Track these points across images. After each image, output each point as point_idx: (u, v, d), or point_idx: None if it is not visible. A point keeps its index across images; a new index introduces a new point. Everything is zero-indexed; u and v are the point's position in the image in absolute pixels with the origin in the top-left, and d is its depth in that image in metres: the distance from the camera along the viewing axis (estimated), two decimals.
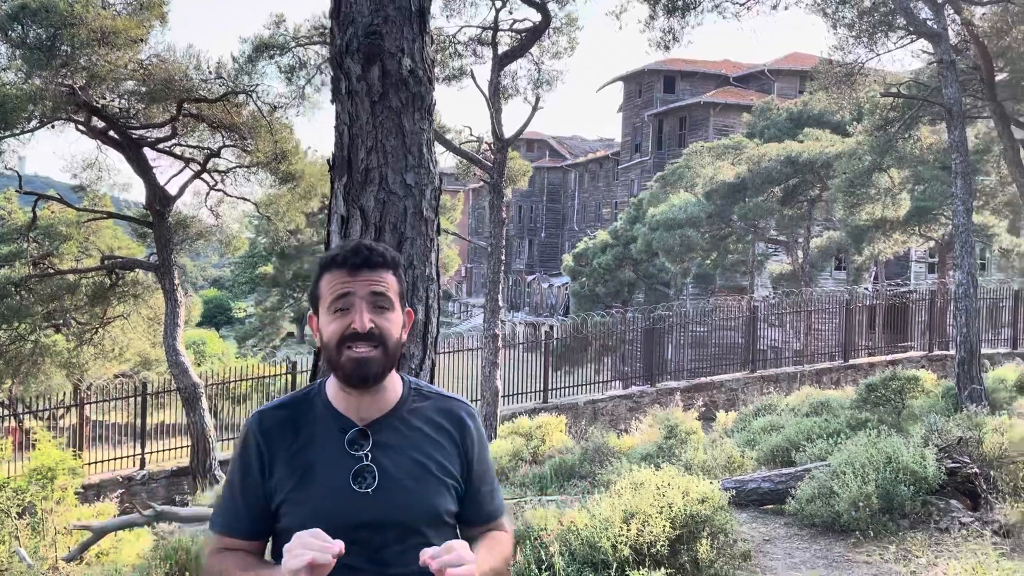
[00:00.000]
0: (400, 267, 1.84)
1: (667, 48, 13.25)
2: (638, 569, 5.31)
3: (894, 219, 24.74)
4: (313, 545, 1.59)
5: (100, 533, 8.04)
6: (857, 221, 24.68)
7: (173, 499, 14.19)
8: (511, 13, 13.94)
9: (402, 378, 1.89)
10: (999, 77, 16.90)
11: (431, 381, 2.47)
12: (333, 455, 1.77)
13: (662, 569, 5.36)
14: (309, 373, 2.63)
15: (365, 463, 1.76)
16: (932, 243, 30.65)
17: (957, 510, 6.91)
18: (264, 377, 17.87)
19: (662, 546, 5.57)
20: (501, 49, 13.62)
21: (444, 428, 1.85)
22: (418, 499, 1.77)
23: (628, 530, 5.57)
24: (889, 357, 20.44)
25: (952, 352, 20.77)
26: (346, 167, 2.46)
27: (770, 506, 7.72)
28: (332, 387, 1.85)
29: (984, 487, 7.17)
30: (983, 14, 16.01)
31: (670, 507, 5.79)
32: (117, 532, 8.60)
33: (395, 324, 1.79)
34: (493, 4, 13.32)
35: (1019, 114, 18.48)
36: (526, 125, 13.85)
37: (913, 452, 6.95)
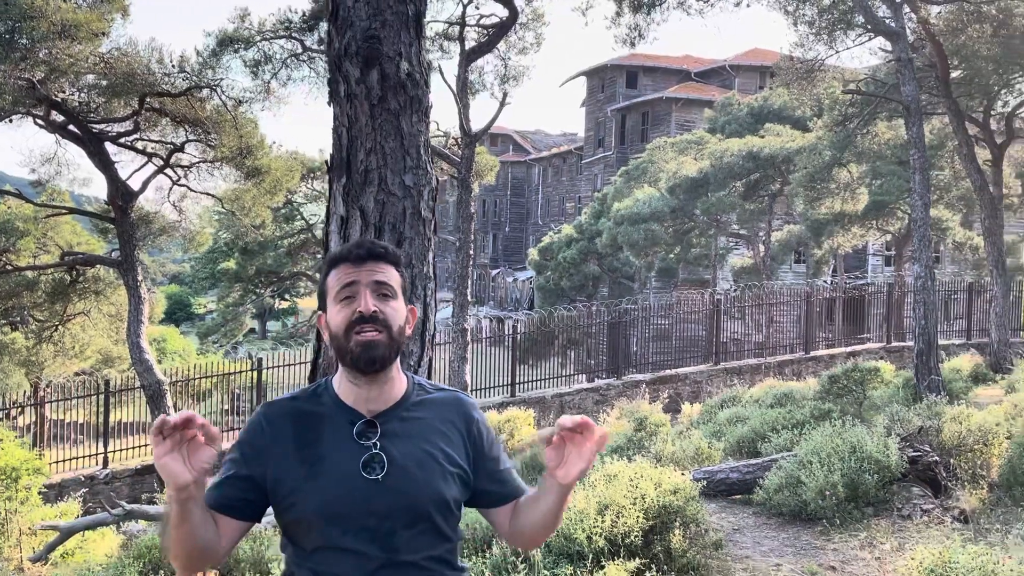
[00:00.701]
0: (402, 263, 1.90)
1: (633, 44, 13.38)
2: (613, 560, 5.40)
3: (852, 213, 25.18)
4: (161, 455, 1.66)
5: (68, 533, 7.95)
6: (817, 215, 25.08)
7: (138, 498, 14.03)
8: (478, 8, 13.99)
9: (406, 374, 1.94)
10: (954, 74, 17.29)
11: (428, 377, 2.52)
12: (343, 445, 1.82)
13: (636, 559, 5.46)
14: (308, 373, 2.66)
15: (374, 452, 1.81)
16: (889, 236, 31.25)
17: (919, 497, 7.10)
18: (229, 374, 17.72)
19: (636, 537, 5.66)
20: (468, 44, 13.63)
21: (449, 420, 1.91)
22: (425, 486, 1.82)
23: (603, 521, 5.65)
24: (848, 349, 20.83)
25: (909, 343, 21.25)
26: (345, 168, 2.49)
27: (738, 496, 7.86)
28: (340, 382, 1.90)
29: (944, 475, 7.38)
30: (938, 12, 16.37)
31: (643, 498, 5.88)
32: (84, 532, 8.51)
33: (399, 312, 1.86)
34: (460, 0, 13.35)
35: (972, 110, 18.92)
36: (494, 120, 13.88)
37: (877, 442, 7.13)
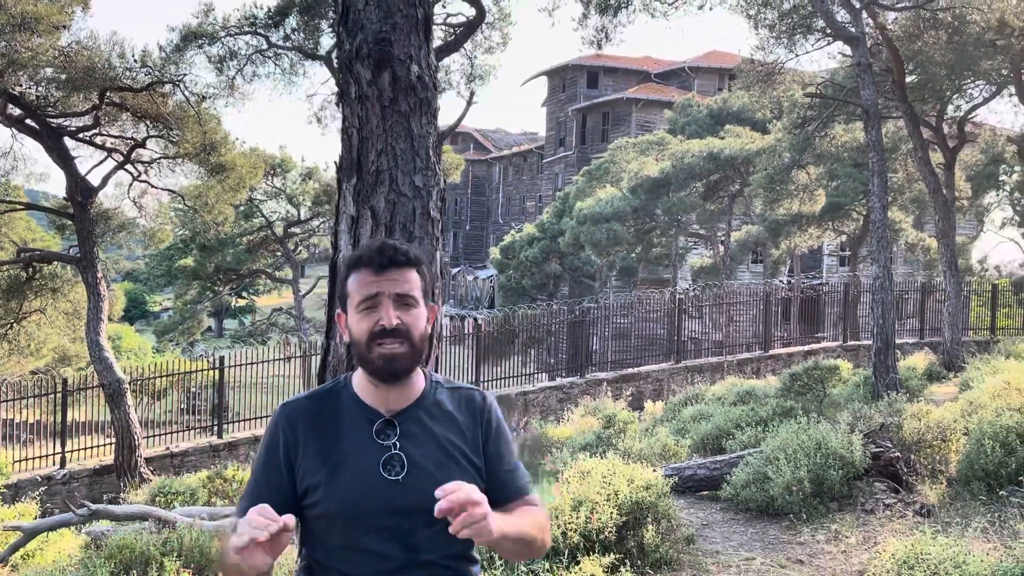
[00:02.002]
0: (423, 264, 1.93)
1: (600, 46, 13.50)
2: (588, 555, 5.47)
3: (810, 214, 25.61)
4: (256, 523, 1.62)
5: (32, 533, 7.83)
6: (775, 216, 25.45)
7: (97, 498, 13.82)
8: (444, 7, 13.99)
9: (423, 372, 1.97)
10: (909, 79, 17.69)
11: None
12: (362, 444, 1.85)
13: (611, 555, 5.54)
14: (318, 371, 2.68)
15: (394, 452, 1.84)
16: (844, 237, 31.84)
17: (881, 492, 7.29)
18: (190, 372, 17.51)
19: (610, 532, 5.74)
20: (435, 43, 13.63)
21: (465, 416, 1.95)
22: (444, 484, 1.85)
23: (577, 517, 5.72)
24: (806, 347, 21.18)
25: (865, 342, 21.70)
26: (355, 169, 2.51)
27: (706, 492, 7.99)
28: (358, 381, 1.93)
29: (905, 470, 7.58)
30: (895, 19, 16.74)
31: (616, 494, 5.97)
32: (47, 533, 8.38)
33: (420, 319, 1.88)
34: None
35: (926, 115, 19.36)
36: (461, 119, 13.93)
37: (841, 438, 7.30)
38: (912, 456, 7.76)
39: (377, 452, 1.84)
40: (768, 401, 11.53)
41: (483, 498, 1.71)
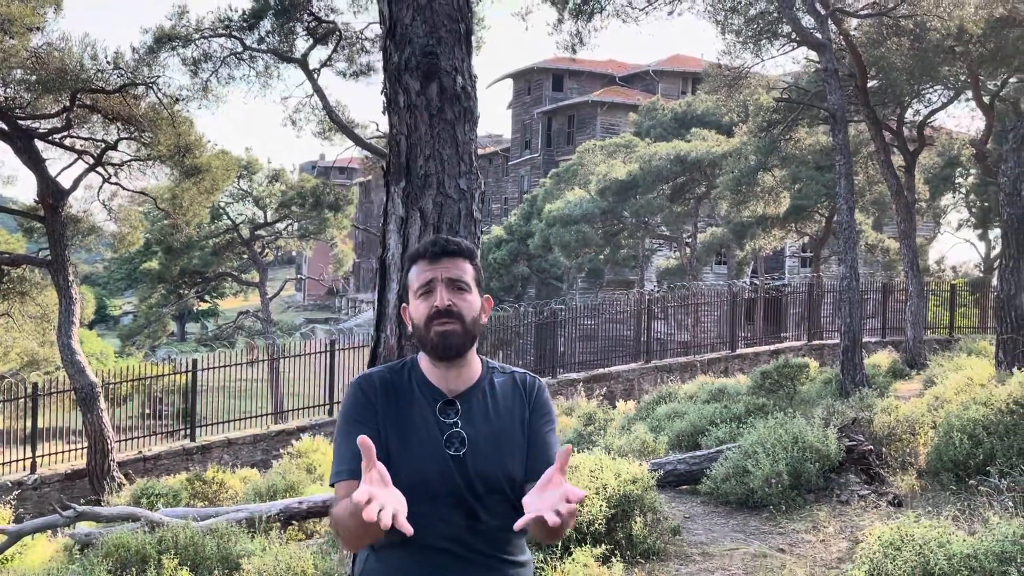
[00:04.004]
0: (475, 256, 2.12)
1: (574, 51, 13.72)
2: (581, 546, 5.64)
3: (774, 216, 26.07)
4: (395, 505, 1.74)
5: (16, 536, 7.82)
6: (741, 218, 25.87)
7: (70, 503, 13.71)
8: None
9: (481, 358, 2.15)
10: (871, 84, 18.13)
11: None
12: (427, 420, 2.03)
13: (602, 545, 5.72)
14: (367, 361, 2.81)
15: (455, 429, 2.02)
16: (807, 238, 32.42)
17: (855, 484, 7.55)
18: (161, 375, 17.41)
19: (600, 524, 5.92)
20: None
21: (518, 397, 2.12)
22: (499, 464, 2.03)
23: None
24: (772, 347, 21.57)
25: (828, 341, 22.16)
26: (404, 173, 2.67)
27: (685, 487, 8.20)
28: (423, 363, 2.11)
29: (877, 462, 7.85)
30: (858, 25, 17.16)
31: (604, 488, 6.15)
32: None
33: (472, 304, 2.06)
34: None
35: (887, 118, 19.85)
36: None
37: (817, 432, 7.55)
38: (883, 449, 8.04)
39: (440, 429, 2.02)
40: (740, 399, 11.79)
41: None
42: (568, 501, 1.76)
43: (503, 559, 2.05)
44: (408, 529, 1.72)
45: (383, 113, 2.70)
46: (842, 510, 7.09)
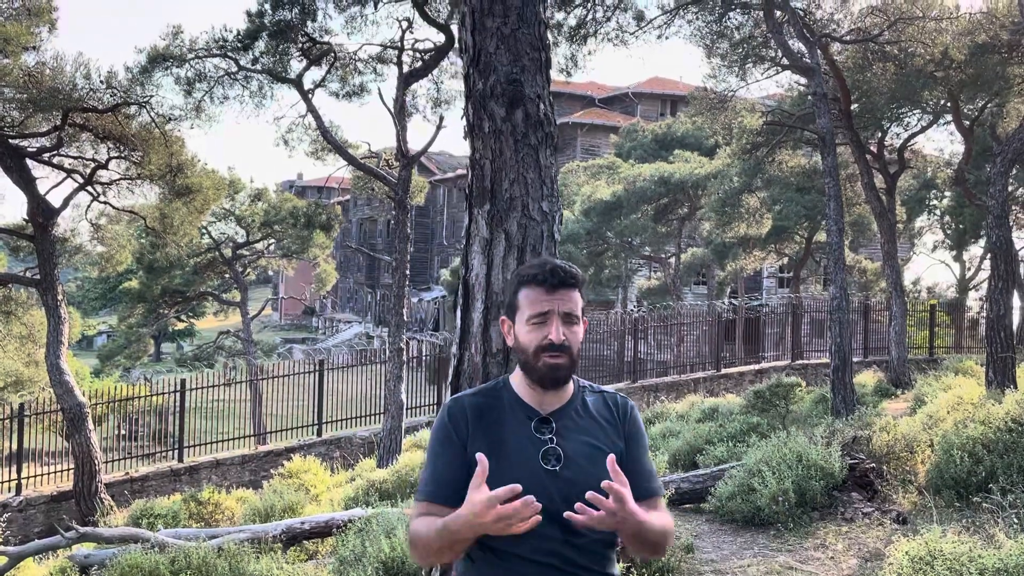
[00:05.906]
0: (584, 284, 2.19)
1: (569, 74, 13.90)
2: None
3: (756, 237, 26.37)
4: (524, 519, 1.89)
5: (18, 558, 7.73)
6: (723, 238, 26.13)
7: (58, 525, 13.53)
8: (412, 33, 14.21)
9: (573, 377, 2.21)
10: (853, 107, 18.47)
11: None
12: (523, 438, 2.09)
13: (618, 562, 5.77)
14: (451, 379, 2.87)
15: (551, 446, 2.09)
16: (786, 259, 32.78)
17: (859, 501, 7.65)
18: (149, 395, 17.24)
19: None
20: (405, 68, 13.87)
21: (610, 416, 2.20)
22: (593, 477, 2.06)
23: None
24: (756, 367, 21.77)
25: (812, 360, 22.39)
26: (488, 196, 2.74)
27: (689, 505, 8.27)
28: (517, 382, 2.17)
29: (878, 480, 7.97)
30: (840, 50, 17.49)
31: None
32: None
33: (580, 335, 2.15)
34: (400, 24, 13.60)
35: (868, 141, 20.21)
36: (431, 143, 14.13)
37: (820, 451, 7.66)
38: (884, 467, 8.16)
39: (536, 445, 2.08)
40: (734, 418, 11.90)
41: (630, 496, 1.94)
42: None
43: (598, 572, 2.11)
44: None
45: (464, 138, 2.78)
46: (848, 527, 7.18)
